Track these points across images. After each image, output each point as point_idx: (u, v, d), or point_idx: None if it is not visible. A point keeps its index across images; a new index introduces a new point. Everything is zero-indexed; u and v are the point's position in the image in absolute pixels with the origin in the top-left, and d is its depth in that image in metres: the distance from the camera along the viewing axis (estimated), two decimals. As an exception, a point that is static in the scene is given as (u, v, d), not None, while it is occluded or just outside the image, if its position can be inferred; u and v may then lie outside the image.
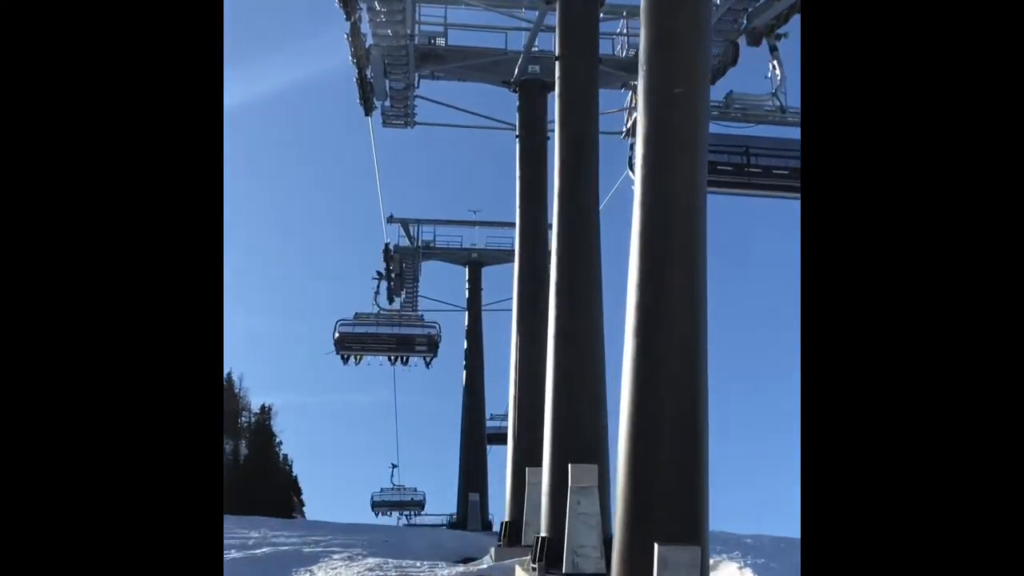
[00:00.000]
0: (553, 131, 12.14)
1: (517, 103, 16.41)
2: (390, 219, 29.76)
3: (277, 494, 41.22)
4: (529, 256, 15.83)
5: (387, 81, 16.14)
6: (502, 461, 18.52)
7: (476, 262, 31.59)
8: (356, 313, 28.92)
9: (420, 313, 30.81)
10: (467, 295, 31.63)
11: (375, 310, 29.42)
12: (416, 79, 16.33)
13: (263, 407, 53.69)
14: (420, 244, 30.77)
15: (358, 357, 29.15)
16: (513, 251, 23.14)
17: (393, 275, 30.71)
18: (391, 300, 31.08)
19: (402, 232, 30.80)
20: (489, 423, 31.63)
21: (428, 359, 29.57)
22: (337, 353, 28.41)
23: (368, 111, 17.19)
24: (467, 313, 31.47)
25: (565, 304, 10.94)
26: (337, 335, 28.28)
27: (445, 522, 32.15)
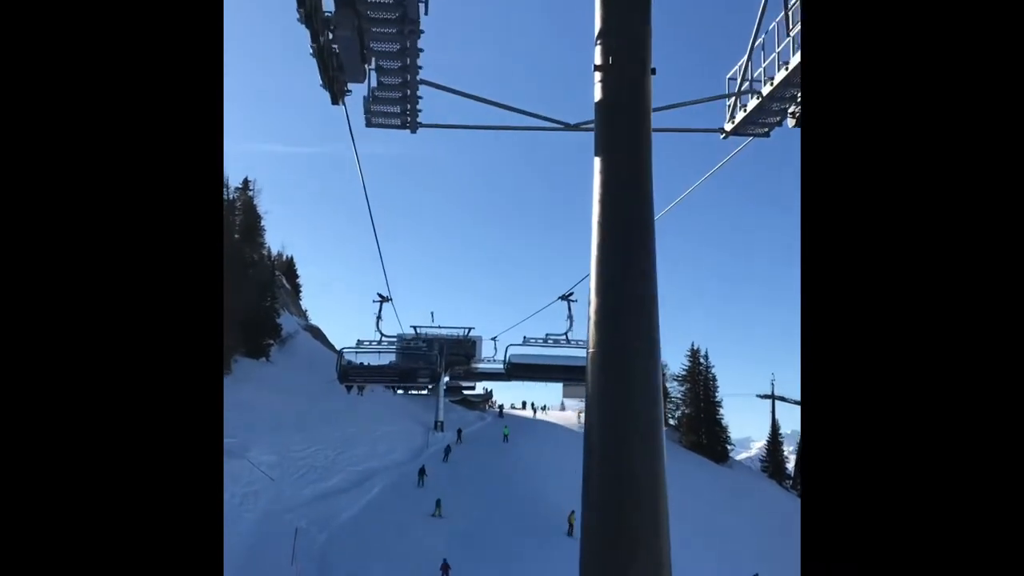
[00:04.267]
0: None
1: None
2: None
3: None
4: None
5: None
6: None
7: None
8: (358, 340, 28.36)
9: (422, 334, 28.69)
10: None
11: (377, 337, 28.42)
12: None
13: (244, 180, 49.48)
14: None
15: (362, 387, 29.65)
16: None
17: (336, 50, 7.43)
18: (336, 100, 8.23)
19: None
20: None
21: (430, 387, 29.60)
22: (341, 383, 28.78)
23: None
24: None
25: None
26: (340, 367, 28.51)
27: None
